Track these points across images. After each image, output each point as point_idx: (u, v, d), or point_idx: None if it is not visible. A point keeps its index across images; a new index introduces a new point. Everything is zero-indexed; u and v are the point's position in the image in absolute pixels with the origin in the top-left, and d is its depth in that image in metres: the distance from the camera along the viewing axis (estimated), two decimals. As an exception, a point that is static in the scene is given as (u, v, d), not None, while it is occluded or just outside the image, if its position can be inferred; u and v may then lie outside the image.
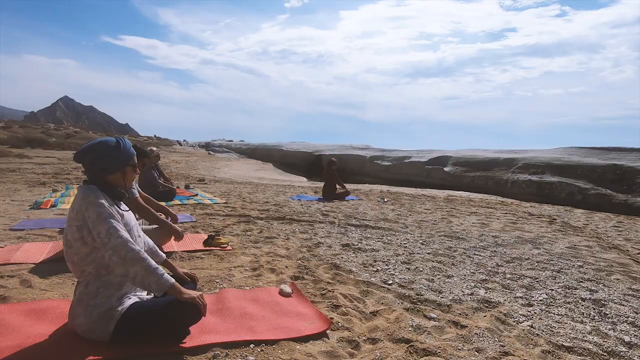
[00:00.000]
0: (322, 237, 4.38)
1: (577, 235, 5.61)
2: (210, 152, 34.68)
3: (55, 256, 2.91)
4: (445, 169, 16.70)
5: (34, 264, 2.80)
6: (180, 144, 48.61)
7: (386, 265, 3.45)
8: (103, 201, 1.72)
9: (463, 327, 2.33)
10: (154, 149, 6.68)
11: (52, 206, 5.36)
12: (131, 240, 1.70)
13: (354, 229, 4.94)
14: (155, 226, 3.26)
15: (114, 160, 1.80)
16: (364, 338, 2.08)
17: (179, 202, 6.33)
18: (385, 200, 8.39)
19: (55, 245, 3.25)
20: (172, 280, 1.74)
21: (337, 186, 8.35)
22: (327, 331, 2.08)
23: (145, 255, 1.71)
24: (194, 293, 1.78)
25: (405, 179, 17.94)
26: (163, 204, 5.84)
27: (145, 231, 3.21)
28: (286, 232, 4.52)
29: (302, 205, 6.90)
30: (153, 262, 1.72)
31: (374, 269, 3.30)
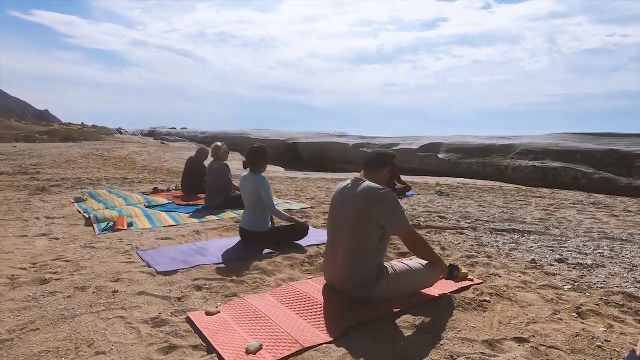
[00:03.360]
0: (514, 251, 3.70)
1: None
2: (163, 141, 31.82)
3: (335, 326, 1.91)
4: (439, 155, 16.72)
5: (330, 342, 1.79)
6: (121, 133, 44.32)
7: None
8: None
9: None
10: (219, 144, 5.47)
11: (129, 225, 4.02)
12: None
13: (517, 236, 4.32)
14: (424, 263, 2.36)
15: None
16: None
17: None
18: (448, 194, 7.89)
19: (281, 297, 2.21)
20: None
21: (395, 182, 7.66)
22: None
23: None
24: None
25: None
26: (230, 213, 4.74)
27: (412, 271, 2.31)
28: (471, 247, 3.77)
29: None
30: None
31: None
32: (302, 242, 3.49)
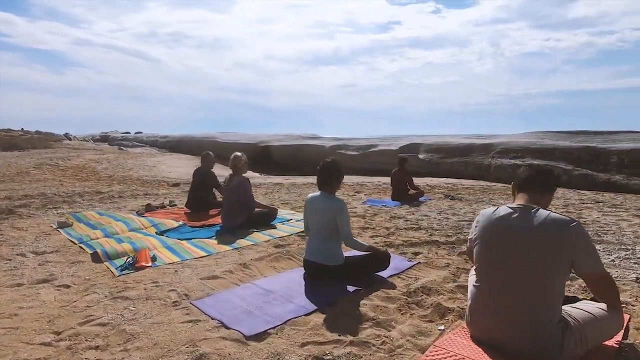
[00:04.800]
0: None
1: None
2: (121, 147, 29.73)
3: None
4: (420, 156, 16.66)
5: None
6: (70, 139, 41.17)
7: None
8: None
9: None
10: (239, 154, 4.74)
11: (153, 260, 3.24)
12: None
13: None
14: (604, 307, 1.88)
15: None
16: None
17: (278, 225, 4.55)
18: (461, 198, 7.60)
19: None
20: None
21: (409, 187, 7.26)
22: None
23: None
24: None
25: (376, 168, 17.46)
26: (260, 234, 4.10)
27: (596, 320, 1.83)
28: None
29: (415, 213, 5.67)
30: None
31: None
32: (382, 273, 2.93)
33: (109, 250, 3.39)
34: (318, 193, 2.86)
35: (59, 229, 4.50)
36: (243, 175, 4.65)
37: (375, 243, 3.91)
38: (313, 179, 14.59)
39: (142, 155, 24.75)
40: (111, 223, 4.48)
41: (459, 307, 2.37)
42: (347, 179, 14.22)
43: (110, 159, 20.53)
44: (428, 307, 2.37)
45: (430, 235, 4.33)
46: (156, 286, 2.70)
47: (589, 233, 4.57)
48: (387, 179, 13.34)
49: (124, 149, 28.65)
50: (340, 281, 2.75)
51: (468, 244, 2.12)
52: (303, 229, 4.47)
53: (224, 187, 4.63)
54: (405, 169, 7.24)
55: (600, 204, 7.38)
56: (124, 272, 3.00)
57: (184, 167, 20.15)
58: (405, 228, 4.67)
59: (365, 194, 8.28)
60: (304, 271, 2.96)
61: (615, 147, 12.77)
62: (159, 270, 3.05)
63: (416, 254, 3.59)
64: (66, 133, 51.40)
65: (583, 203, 7.36)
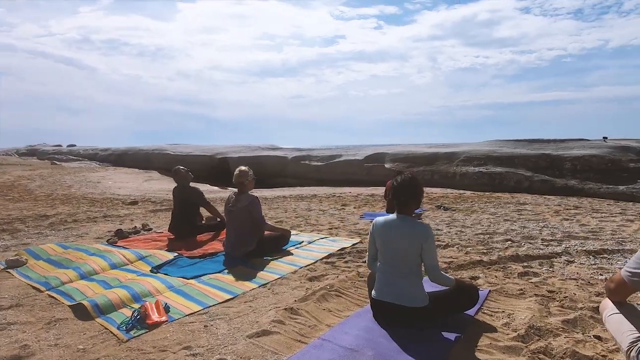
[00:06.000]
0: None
1: None
2: (54, 162, 26.79)
3: None
4: (387, 165, 16.60)
5: None
6: (-9, 153, 36.78)
7: None
8: None
9: None
10: (244, 168, 4.02)
11: (167, 311, 2.44)
12: None
13: (620, 257, 3.80)
14: None
15: None
16: None
17: (293, 250, 3.91)
18: (454, 209, 7.37)
19: None
20: None
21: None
22: None
23: None
24: None
25: (343, 178, 17.17)
26: (280, 264, 3.48)
27: None
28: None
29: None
30: None
31: None
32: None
33: (98, 300, 2.53)
34: (393, 216, 2.29)
35: (9, 270, 3.47)
36: (250, 193, 3.95)
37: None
38: (281, 192, 13.88)
39: (80, 169, 22.37)
40: (84, 259, 3.53)
41: (596, 354, 1.91)
42: (316, 191, 13.69)
43: (44, 175, 18.24)
44: (562, 358, 1.88)
45: (465, 253, 3.91)
46: (192, 355, 1.95)
47: (612, 244, 4.43)
48: (359, 190, 13.03)
49: (58, 163, 25.81)
50: (427, 326, 2.20)
51: (628, 278, 1.67)
52: (327, 254, 3.86)
53: (228, 208, 3.87)
54: (401, 180, 6.87)
55: (581, 209, 7.54)
56: (133, 334, 2.19)
57: (132, 181, 18.43)
58: (464, 245, 4.22)
59: (354, 207, 7.78)
60: (371, 313, 2.36)
61: (567, 154, 13.54)
62: (181, 327, 2.28)
63: (473, 278, 3.13)
64: (-16, 147, 45.74)
65: (567, 209, 7.47)
